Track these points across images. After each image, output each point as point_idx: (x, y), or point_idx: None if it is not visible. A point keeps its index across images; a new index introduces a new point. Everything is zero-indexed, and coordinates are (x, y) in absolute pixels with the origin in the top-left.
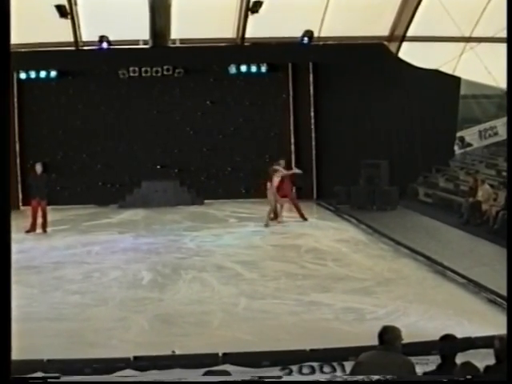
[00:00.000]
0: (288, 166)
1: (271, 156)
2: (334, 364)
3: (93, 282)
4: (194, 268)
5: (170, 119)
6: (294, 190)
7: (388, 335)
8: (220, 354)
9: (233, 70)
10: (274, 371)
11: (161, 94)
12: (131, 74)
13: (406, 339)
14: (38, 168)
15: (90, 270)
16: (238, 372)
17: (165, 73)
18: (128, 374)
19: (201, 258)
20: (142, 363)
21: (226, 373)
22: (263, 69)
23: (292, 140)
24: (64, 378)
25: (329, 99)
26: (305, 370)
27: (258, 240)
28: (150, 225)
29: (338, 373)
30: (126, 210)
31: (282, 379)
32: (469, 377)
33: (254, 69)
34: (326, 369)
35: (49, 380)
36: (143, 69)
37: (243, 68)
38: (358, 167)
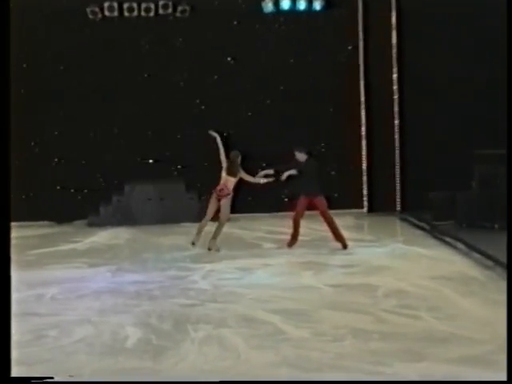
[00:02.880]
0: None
1: (328, 143)
2: None
3: (46, 346)
4: (208, 321)
5: (168, 85)
6: None
7: None
8: None
9: (269, 6)
10: None
11: (154, 47)
12: (106, 14)
13: None
14: None
15: (41, 325)
16: None
17: (160, 12)
18: None
19: (219, 306)
20: None
21: None
22: (317, 4)
23: (362, 118)
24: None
25: (423, 53)
26: None
27: (309, 277)
28: (139, 252)
29: None
30: (101, 230)
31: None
32: None
33: (302, 4)
34: None
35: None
36: (125, 5)
37: (285, 3)
38: (467, 162)
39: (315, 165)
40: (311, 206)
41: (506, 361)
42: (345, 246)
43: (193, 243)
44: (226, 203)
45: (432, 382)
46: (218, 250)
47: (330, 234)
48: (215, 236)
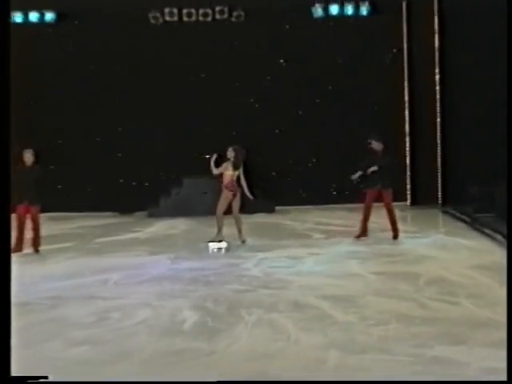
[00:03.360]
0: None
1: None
2: None
3: (109, 327)
4: (260, 306)
5: (224, 85)
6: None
7: None
8: None
9: (318, 11)
10: None
11: (212, 49)
12: (167, 19)
13: None
14: (29, 158)
15: (105, 308)
16: None
17: (217, 17)
18: None
19: (270, 292)
20: None
21: None
22: (364, 10)
23: (406, 117)
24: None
25: (463, 56)
26: None
27: (355, 265)
28: (195, 242)
29: None
30: (160, 220)
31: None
32: None
33: (349, 10)
34: None
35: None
36: (185, 11)
37: (334, 9)
38: (505, 159)
39: (391, 158)
40: (379, 199)
41: (506, 361)
42: (396, 237)
43: (220, 241)
44: (238, 197)
45: (432, 381)
46: (245, 241)
47: (376, 226)
48: (241, 230)
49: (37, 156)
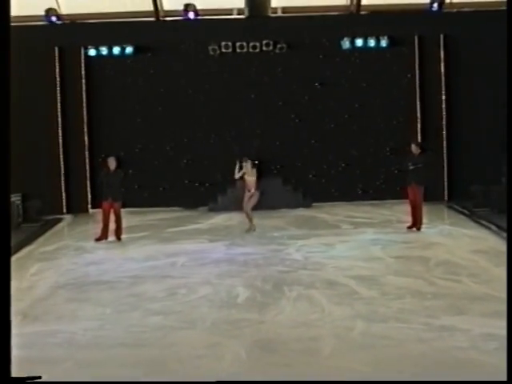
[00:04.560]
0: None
1: (393, 148)
2: None
3: (178, 301)
4: (300, 284)
5: (270, 104)
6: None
7: None
8: None
9: (346, 44)
10: None
11: (259, 75)
12: (223, 50)
13: None
14: (112, 163)
15: (174, 285)
16: None
17: (264, 48)
18: None
19: (308, 272)
20: None
21: None
22: (383, 43)
23: (419, 129)
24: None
25: (464, 80)
26: None
27: (377, 250)
28: (247, 231)
29: None
30: (218, 214)
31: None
32: None
33: (372, 43)
34: None
35: (48, 380)
36: (238, 44)
37: (359, 42)
38: (499, 162)
39: (425, 159)
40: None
41: (506, 361)
42: (419, 229)
43: (254, 230)
44: (255, 197)
45: (431, 381)
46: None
47: (393, 218)
48: (252, 220)
49: (119, 162)
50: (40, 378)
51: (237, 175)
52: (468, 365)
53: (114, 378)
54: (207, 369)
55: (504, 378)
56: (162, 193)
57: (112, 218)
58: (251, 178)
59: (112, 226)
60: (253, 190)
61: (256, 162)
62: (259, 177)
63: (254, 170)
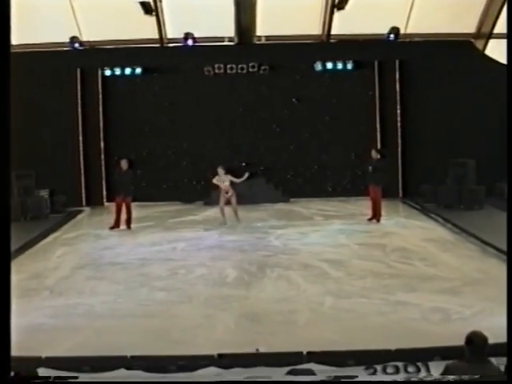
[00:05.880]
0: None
1: (357, 154)
2: (419, 364)
3: (178, 279)
4: (280, 266)
5: (256, 116)
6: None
7: (476, 341)
8: (305, 353)
9: (319, 67)
10: (359, 370)
11: (246, 91)
12: (216, 71)
13: (491, 340)
14: (124, 164)
15: (175, 266)
16: (322, 371)
17: (250, 70)
18: (212, 371)
19: (287, 256)
20: (225, 361)
21: (311, 372)
22: (349, 66)
23: (378, 138)
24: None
25: (415, 97)
26: (389, 370)
27: (344, 238)
28: (235, 223)
29: (423, 373)
30: (211, 207)
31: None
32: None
33: (340, 66)
34: (411, 368)
35: (48, 380)
36: (228, 66)
37: (329, 65)
38: (444, 166)
39: (383, 163)
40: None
41: (506, 361)
42: (378, 220)
43: (225, 223)
44: (233, 197)
45: (431, 382)
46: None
47: (356, 211)
48: (237, 213)
49: (130, 163)
50: (40, 377)
51: (214, 180)
52: (419, 333)
53: (126, 343)
54: (203, 337)
55: (448, 343)
56: (165, 189)
57: (124, 210)
58: (225, 184)
59: (123, 216)
60: (230, 193)
61: (226, 168)
62: (236, 176)
63: (228, 176)
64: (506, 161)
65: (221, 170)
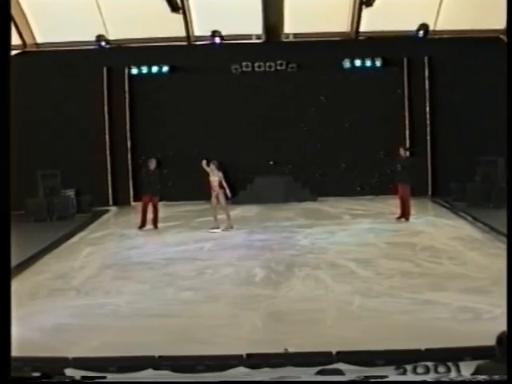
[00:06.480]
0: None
1: (386, 152)
2: (449, 364)
3: (205, 279)
4: (307, 265)
5: (283, 115)
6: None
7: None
8: (334, 353)
9: (347, 64)
10: (388, 370)
11: (274, 89)
12: (244, 69)
13: None
14: (152, 164)
15: (202, 266)
16: (351, 371)
17: (278, 68)
18: (240, 371)
19: (315, 256)
20: (254, 361)
21: (339, 372)
22: (378, 63)
23: (407, 136)
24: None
25: (444, 94)
26: (419, 370)
27: (372, 237)
28: (264, 221)
29: (453, 373)
30: (240, 206)
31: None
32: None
33: (368, 63)
34: (441, 369)
35: (49, 380)
36: (256, 64)
37: (357, 62)
38: (474, 164)
39: (412, 161)
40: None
41: (506, 361)
42: (407, 219)
43: (217, 227)
44: (221, 195)
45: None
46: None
47: (386, 210)
48: (229, 217)
49: (158, 163)
50: (40, 377)
51: (203, 165)
52: (448, 332)
53: (151, 343)
54: (230, 336)
55: (479, 342)
56: (192, 189)
57: (150, 209)
58: (214, 178)
59: (150, 216)
60: (217, 190)
61: (220, 163)
62: (226, 177)
63: (220, 173)
64: (506, 160)
65: (214, 165)
